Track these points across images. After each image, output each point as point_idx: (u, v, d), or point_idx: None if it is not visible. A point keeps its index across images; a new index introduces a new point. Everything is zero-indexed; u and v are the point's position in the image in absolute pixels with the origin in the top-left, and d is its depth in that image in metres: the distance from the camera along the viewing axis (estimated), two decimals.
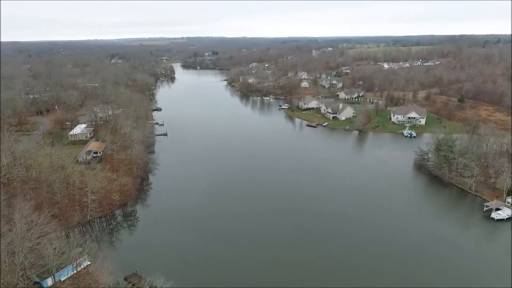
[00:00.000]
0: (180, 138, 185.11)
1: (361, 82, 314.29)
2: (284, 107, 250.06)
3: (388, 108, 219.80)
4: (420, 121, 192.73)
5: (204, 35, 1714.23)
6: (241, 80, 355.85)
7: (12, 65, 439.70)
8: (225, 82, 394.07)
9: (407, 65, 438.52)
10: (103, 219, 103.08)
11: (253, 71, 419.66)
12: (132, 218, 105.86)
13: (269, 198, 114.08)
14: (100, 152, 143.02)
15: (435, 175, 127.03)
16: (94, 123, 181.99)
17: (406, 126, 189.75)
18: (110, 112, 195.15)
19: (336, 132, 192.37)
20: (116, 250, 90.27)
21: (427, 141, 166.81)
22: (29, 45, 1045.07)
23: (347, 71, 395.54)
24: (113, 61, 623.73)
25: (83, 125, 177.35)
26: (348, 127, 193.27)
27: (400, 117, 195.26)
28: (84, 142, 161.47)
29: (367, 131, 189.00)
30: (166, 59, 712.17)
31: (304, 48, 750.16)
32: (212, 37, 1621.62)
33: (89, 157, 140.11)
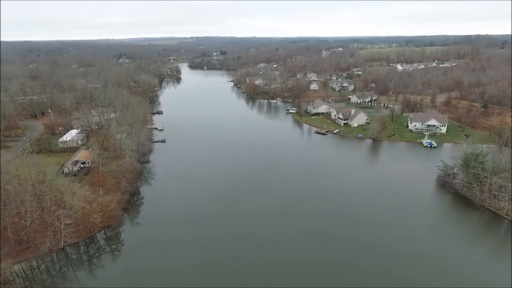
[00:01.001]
0: (179, 145, 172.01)
1: (373, 85, 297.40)
2: (291, 111, 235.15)
3: (404, 114, 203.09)
4: (440, 129, 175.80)
5: (213, 35, 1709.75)
6: (247, 81, 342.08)
7: (17, 65, 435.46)
8: (232, 83, 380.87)
9: (422, 66, 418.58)
10: (81, 245, 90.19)
11: (260, 72, 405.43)
12: (115, 242, 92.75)
13: (276, 218, 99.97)
14: (88, 163, 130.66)
15: (463, 196, 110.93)
16: (87, 128, 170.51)
17: (425, 135, 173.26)
18: (106, 117, 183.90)
19: (348, 140, 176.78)
20: (95, 279, 77.68)
21: (450, 153, 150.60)
22: (40, 44, 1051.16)
23: (359, 72, 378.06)
24: (120, 60, 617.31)
25: (75, 131, 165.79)
26: (361, 135, 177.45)
27: (418, 125, 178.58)
28: (74, 150, 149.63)
29: (382, 140, 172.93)
30: (173, 59, 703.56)
31: (313, 48, 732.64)
32: (221, 36, 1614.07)
33: (75, 168, 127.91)
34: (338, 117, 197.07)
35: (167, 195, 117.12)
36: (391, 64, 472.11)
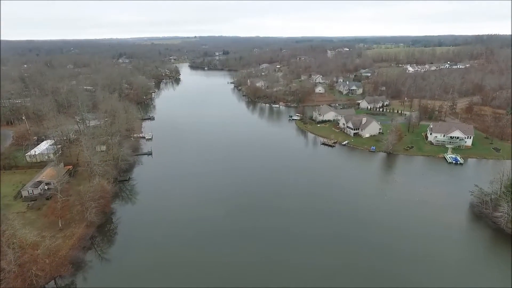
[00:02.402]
0: (168, 158, 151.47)
1: (384, 88, 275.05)
2: (295, 118, 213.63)
3: (421, 123, 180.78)
4: (465, 142, 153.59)
5: (217, 34, 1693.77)
6: (248, 83, 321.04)
7: (10, 65, 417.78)
8: (232, 85, 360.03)
9: (434, 67, 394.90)
10: None
11: (262, 73, 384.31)
12: None
13: (271, 253, 78.94)
14: (54, 184, 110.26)
15: (509, 234, 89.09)
16: (63, 139, 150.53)
17: (448, 148, 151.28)
18: (85, 125, 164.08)
19: (359, 153, 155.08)
20: None
21: (480, 171, 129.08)
22: (43, 43, 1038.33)
23: (367, 74, 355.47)
24: (120, 60, 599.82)
25: (48, 142, 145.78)
26: (374, 147, 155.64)
27: (440, 136, 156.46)
28: (44, 165, 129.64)
29: (398, 154, 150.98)
30: (174, 59, 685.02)
31: (318, 48, 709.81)
32: (225, 36, 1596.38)
33: (37, 191, 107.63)
34: (348, 126, 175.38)
35: (145, 225, 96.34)
36: (400, 65, 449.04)
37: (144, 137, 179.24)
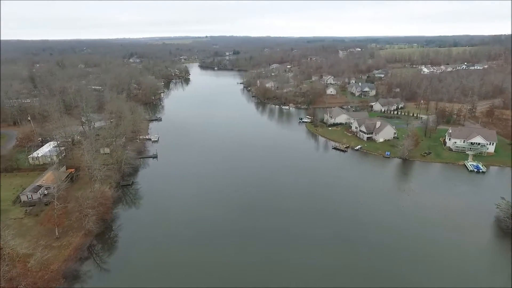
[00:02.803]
0: (174, 161, 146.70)
1: (398, 90, 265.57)
2: (305, 120, 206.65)
3: (439, 127, 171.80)
4: (487, 149, 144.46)
5: (228, 34, 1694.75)
6: (258, 83, 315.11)
7: (20, 65, 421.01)
8: (242, 86, 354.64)
9: (450, 68, 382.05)
10: None
11: (273, 73, 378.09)
12: None
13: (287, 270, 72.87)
14: (54, 188, 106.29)
15: None
16: (67, 141, 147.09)
17: (468, 155, 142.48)
18: (90, 126, 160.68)
19: (372, 159, 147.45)
20: None
21: (505, 181, 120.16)
22: (57, 43, 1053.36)
23: (380, 75, 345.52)
24: (131, 60, 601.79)
25: (52, 144, 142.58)
26: (388, 153, 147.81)
27: (460, 142, 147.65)
28: (46, 168, 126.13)
29: (414, 160, 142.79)
30: (184, 59, 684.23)
31: (329, 48, 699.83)
32: (236, 36, 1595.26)
33: (36, 196, 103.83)
34: (360, 130, 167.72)
35: (148, 234, 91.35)
36: (414, 66, 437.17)
37: (150, 139, 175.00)
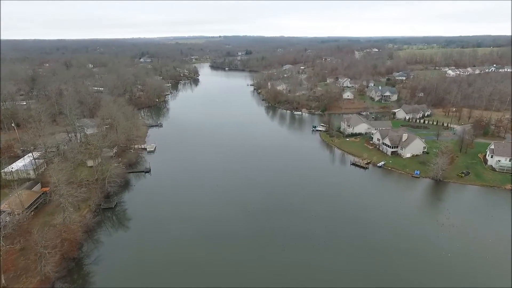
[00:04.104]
0: (170, 177, 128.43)
1: (422, 94, 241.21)
2: (320, 129, 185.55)
3: (475, 141, 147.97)
4: None
5: (241, 34, 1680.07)
6: (269, 86, 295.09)
7: (26, 65, 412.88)
8: (252, 88, 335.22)
9: (478, 71, 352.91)
10: None
11: (285, 75, 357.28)
12: None
13: None
14: (18, 214, 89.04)
15: None
16: (53, 151, 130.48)
17: None
18: (77, 135, 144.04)
19: (398, 179, 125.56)
20: None
21: None
22: (72, 43, 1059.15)
23: (402, 78, 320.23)
24: (141, 59, 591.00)
25: (33, 156, 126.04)
26: (418, 172, 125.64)
27: (505, 161, 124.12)
28: (21, 184, 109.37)
29: (449, 182, 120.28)
30: (195, 59, 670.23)
31: (345, 48, 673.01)
32: (249, 36, 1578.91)
33: None
34: (384, 143, 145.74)
35: (126, 277, 73.06)
36: (437, 68, 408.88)
37: (145, 149, 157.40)
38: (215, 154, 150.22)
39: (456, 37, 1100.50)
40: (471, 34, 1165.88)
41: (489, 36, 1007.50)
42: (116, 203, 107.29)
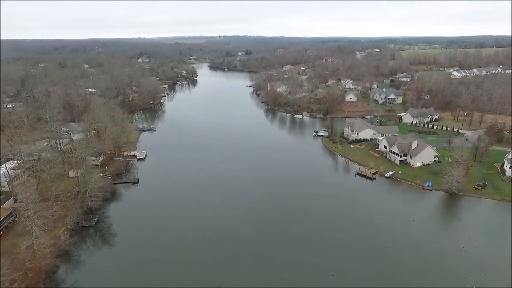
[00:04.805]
0: (159, 187, 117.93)
1: (427, 97, 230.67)
2: (321, 134, 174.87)
3: (490, 148, 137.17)
4: None
5: (242, 34, 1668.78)
6: (268, 87, 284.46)
7: (18, 65, 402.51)
8: (251, 89, 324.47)
9: (484, 72, 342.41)
10: None
11: (285, 76, 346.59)
12: None
13: None
14: None
15: None
16: (33, 160, 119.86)
17: None
18: (58, 142, 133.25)
19: (408, 191, 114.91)
20: None
21: None
22: (71, 43, 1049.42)
23: (406, 79, 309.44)
24: (139, 60, 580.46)
25: (10, 165, 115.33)
26: (430, 184, 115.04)
27: None
28: None
29: (465, 195, 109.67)
30: (194, 59, 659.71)
31: (346, 48, 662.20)
32: (249, 36, 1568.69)
33: None
34: (391, 151, 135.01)
35: None
36: (442, 69, 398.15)
37: (135, 156, 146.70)
38: (209, 162, 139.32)
39: (457, 38, 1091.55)
40: (472, 35, 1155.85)
41: (491, 36, 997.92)
42: (98, 220, 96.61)
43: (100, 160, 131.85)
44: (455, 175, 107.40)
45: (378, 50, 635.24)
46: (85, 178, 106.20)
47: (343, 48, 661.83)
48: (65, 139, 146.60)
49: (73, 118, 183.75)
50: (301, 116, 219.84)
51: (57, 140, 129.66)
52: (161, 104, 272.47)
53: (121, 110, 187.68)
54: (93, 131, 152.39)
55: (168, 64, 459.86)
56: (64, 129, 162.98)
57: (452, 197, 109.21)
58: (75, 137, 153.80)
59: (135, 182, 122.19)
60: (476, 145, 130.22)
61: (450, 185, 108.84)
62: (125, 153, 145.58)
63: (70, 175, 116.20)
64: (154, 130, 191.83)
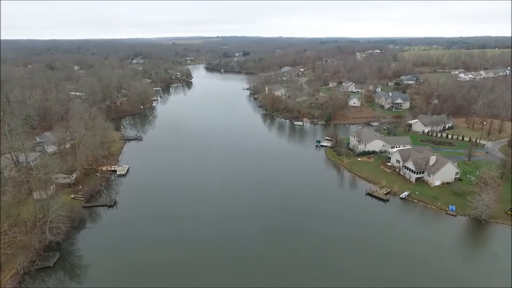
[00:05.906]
0: (141, 212, 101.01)
1: (436, 101, 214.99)
2: (324, 144, 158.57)
3: None
4: None
5: (240, 35, 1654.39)
6: (266, 91, 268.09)
7: (10, 66, 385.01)
8: (248, 92, 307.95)
9: (492, 74, 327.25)
10: None
11: (284, 78, 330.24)
12: None
13: None
14: None
15: None
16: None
17: None
18: (25, 156, 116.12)
19: (429, 217, 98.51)
20: None
21: None
22: (65, 43, 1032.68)
23: (411, 82, 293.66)
24: (134, 60, 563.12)
25: None
26: (453, 208, 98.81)
27: None
28: None
29: (496, 222, 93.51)
30: (190, 60, 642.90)
31: (346, 49, 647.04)
32: (247, 36, 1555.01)
33: None
34: (405, 167, 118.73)
35: None
36: (446, 71, 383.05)
37: (115, 171, 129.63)
38: (199, 179, 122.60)
39: (457, 38, 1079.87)
40: (471, 35, 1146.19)
41: (490, 37, 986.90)
42: (58, 258, 79.68)
43: (73, 177, 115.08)
44: (485, 199, 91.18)
45: (378, 51, 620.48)
46: (49, 204, 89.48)
47: (343, 49, 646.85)
48: (37, 152, 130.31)
49: (51, 126, 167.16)
50: (301, 122, 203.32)
51: (25, 155, 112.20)
52: (152, 108, 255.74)
53: (105, 116, 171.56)
54: (67, 142, 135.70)
55: (162, 66, 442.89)
56: (38, 139, 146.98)
57: (481, 225, 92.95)
58: (50, 149, 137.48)
59: (111, 205, 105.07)
60: (504, 160, 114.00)
61: (480, 210, 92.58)
62: (104, 168, 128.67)
63: (35, 197, 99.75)
64: (141, 139, 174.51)
